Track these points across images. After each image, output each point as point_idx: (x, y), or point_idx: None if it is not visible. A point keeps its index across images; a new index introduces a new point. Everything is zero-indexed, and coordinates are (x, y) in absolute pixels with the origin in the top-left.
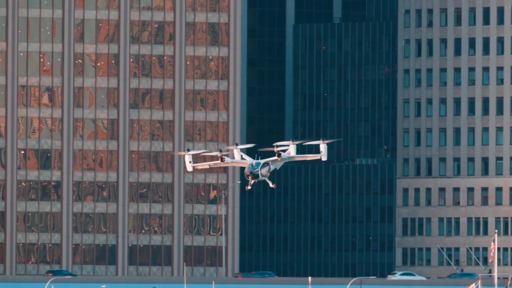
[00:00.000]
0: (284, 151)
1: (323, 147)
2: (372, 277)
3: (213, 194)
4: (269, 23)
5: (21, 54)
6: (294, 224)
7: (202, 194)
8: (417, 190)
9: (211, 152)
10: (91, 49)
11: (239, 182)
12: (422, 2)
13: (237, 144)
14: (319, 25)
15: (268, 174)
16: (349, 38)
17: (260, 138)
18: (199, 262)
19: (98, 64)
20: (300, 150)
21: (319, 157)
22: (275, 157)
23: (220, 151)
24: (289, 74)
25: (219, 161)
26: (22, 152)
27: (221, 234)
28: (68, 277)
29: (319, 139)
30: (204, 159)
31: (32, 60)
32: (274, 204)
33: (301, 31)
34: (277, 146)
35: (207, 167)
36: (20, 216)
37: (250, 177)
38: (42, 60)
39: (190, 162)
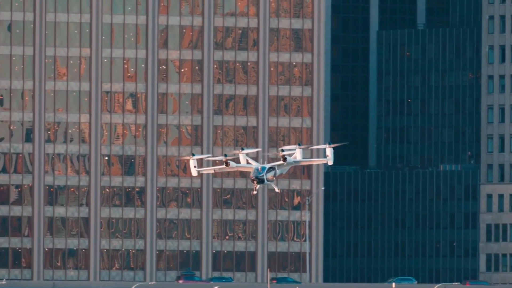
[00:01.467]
0: (290, 155)
1: (329, 151)
2: (456, 283)
3: (297, 200)
4: (353, 29)
5: (105, 60)
6: (378, 230)
7: (286, 200)
8: (501, 196)
9: (216, 157)
10: (175, 55)
11: (323, 188)
12: (506, 8)
13: (242, 149)
14: (403, 31)
15: (274, 178)
16: (432, 44)
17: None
18: (283, 268)
19: (182, 70)
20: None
21: (325, 161)
22: (281, 162)
23: (225, 155)
24: (373, 80)
25: (224, 166)
26: (106, 158)
27: (305, 240)
28: (152, 282)
29: (403, 145)
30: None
31: (116, 66)
32: (358, 210)
33: (384, 37)
34: (283, 150)
35: (212, 171)
36: (104, 222)
37: (255, 182)
38: (126, 66)
39: (195, 166)
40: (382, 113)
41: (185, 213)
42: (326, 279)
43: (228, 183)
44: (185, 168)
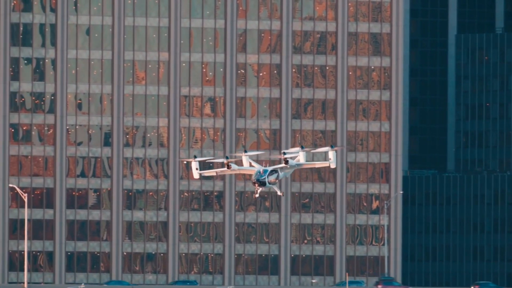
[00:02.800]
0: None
1: (331, 154)
2: None
3: (375, 204)
4: (431, 33)
5: (184, 64)
6: (456, 234)
7: (364, 204)
8: None
9: (218, 159)
10: (253, 59)
11: (401, 192)
12: None
13: (245, 151)
14: (482, 35)
15: (277, 181)
16: (511, 48)
17: (422, 148)
18: (361, 272)
19: (261, 74)
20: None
21: (327, 165)
22: (283, 164)
23: (226, 158)
24: (451, 84)
25: (225, 168)
26: (185, 162)
27: (383, 244)
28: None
29: (481, 149)
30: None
31: (194, 70)
32: (436, 214)
33: (463, 41)
34: (284, 153)
35: (214, 174)
36: (183, 226)
37: (256, 185)
38: (204, 70)
39: (197, 169)
40: (460, 117)
41: (263, 217)
42: (404, 283)
43: (307, 187)
44: None
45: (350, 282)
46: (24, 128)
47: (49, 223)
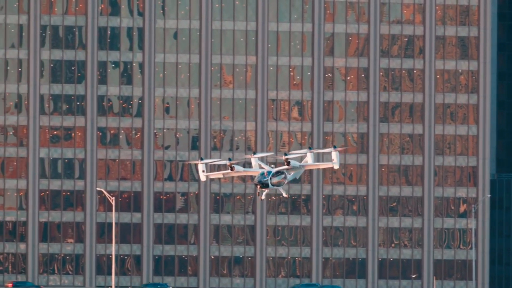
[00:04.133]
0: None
1: (334, 155)
2: None
3: (463, 208)
4: None
5: (271, 68)
6: None
7: (452, 208)
8: None
9: (223, 161)
10: (340, 63)
11: (489, 195)
12: None
13: (254, 153)
14: None
15: (282, 182)
16: None
17: (510, 152)
18: (449, 276)
19: (348, 78)
20: None
21: (331, 166)
22: (286, 166)
23: (229, 159)
24: None
25: (229, 171)
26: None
27: (471, 248)
28: None
29: None
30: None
31: (282, 74)
32: None
33: None
34: (286, 154)
35: (221, 176)
36: (270, 230)
37: (258, 186)
38: (292, 74)
39: (203, 171)
40: None
41: (351, 221)
42: (492, 286)
43: (394, 191)
44: (351, 176)
45: None
46: (112, 132)
47: (136, 226)
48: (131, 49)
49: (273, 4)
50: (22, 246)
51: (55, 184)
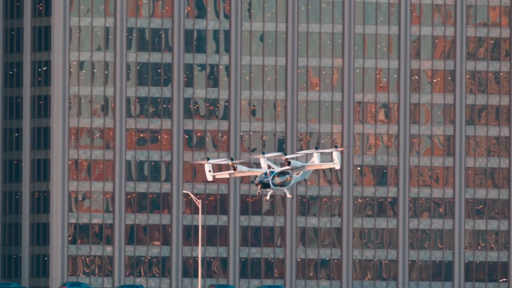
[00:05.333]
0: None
1: (335, 155)
2: None
3: None
4: None
5: (357, 70)
6: None
7: None
8: None
9: (227, 161)
10: (427, 66)
11: None
12: None
13: (263, 153)
14: None
15: (287, 182)
16: None
17: None
18: None
19: (434, 80)
20: None
21: (332, 166)
22: (287, 166)
23: (231, 159)
24: None
25: (232, 171)
26: (358, 168)
27: None
28: None
29: None
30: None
31: (368, 77)
32: None
33: None
34: (285, 154)
35: (227, 176)
36: (356, 233)
37: (259, 186)
38: (378, 76)
39: (209, 171)
40: None
41: (437, 224)
42: None
43: (480, 193)
44: (438, 178)
45: None
46: (198, 134)
47: (223, 229)
48: (217, 51)
49: (360, 7)
50: (109, 248)
51: (142, 187)
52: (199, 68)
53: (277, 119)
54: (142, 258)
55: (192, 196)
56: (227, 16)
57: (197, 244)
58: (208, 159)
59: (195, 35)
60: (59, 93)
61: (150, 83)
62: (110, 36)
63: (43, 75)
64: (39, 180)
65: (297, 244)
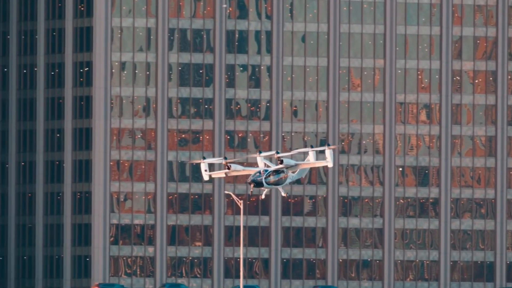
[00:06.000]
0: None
1: (328, 153)
2: None
3: None
4: None
5: (399, 71)
6: None
7: None
8: None
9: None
10: (468, 66)
11: None
12: None
13: (260, 152)
14: None
15: (281, 181)
16: None
17: None
18: None
19: (476, 81)
20: None
21: (325, 164)
22: (280, 165)
23: (225, 158)
24: None
25: (227, 170)
26: (400, 169)
27: None
28: None
29: None
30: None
31: (409, 77)
32: None
33: None
34: (278, 152)
35: (223, 175)
36: (398, 233)
37: (252, 185)
38: (419, 77)
39: (205, 170)
40: None
41: (479, 224)
42: None
43: None
44: (479, 179)
45: None
46: (240, 135)
47: (264, 230)
48: (259, 52)
49: (401, 7)
50: (150, 249)
51: (183, 188)
52: (241, 68)
53: (318, 120)
54: (184, 259)
55: (234, 196)
56: (269, 17)
57: (239, 245)
58: (204, 158)
59: (237, 35)
60: (101, 94)
61: (192, 84)
62: (151, 37)
63: (85, 76)
64: (81, 181)
65: (339, 244)
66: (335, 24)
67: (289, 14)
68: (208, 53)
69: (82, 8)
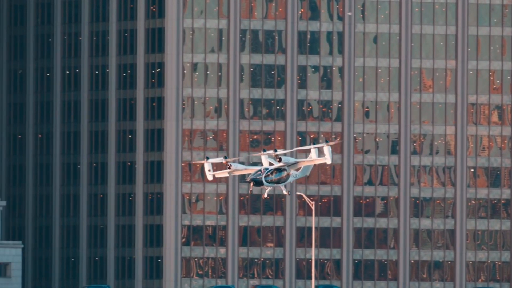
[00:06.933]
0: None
1: (326, 150)
2: None
3: None
4: None
5: (471, 72)
6: None
7: None
8: None
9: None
10: None
11: None
12: None
13: (264, 150)
14: None
15: (283, 179)
16: None
17: None
18: None
19: None
20: None
21: (324, 161)
22: (279, 163)
23: (225, 157)
24: None
25: (228, 169)
26: (472, 170)
27: None
28: None
29: None
30: None
31: (481, 78)
32: None
33: None
34: (276, 150)
35: (226, 174)
36: (470, 234)
37: (251, 184)
38: (491, 78)
39: (209, 170)
40: None
41: None
42: None
43: None
44: None
45: None
46: (311, 136)
47: (336, 231)
48: (330, 53)
49: (473, 8)
50: (222, 250)
51: (255, 188)
52: (313, 69)
53: (390, 121)
54: (256, 260)
55: (305, 197)
56: (341, 18)
57: (310, 246)
58: (207, 158)
59: (309, 36)
60: (172, 95)
61: (264, 85)
62: (223, 38)
63: (156, 77)
64: (153, 182)
65: (411, 246)
66: (406, 25)
67: (361, 15)
68: (280, 54)
69: (154, 9)
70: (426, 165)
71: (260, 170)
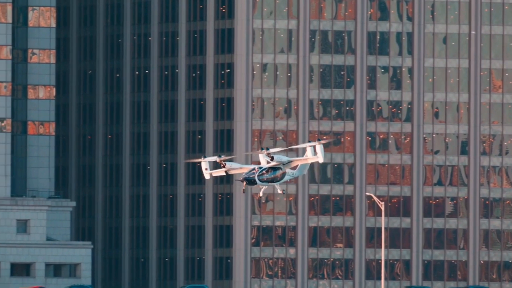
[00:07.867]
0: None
1: (318, 148)
2: None
3: None
4: None
5: None
6: None
7: None
8: None
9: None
10: None
11: None
12: None
13: (262, 149)
14: None
15: (277, 178)
16: None
17: None
18: None
19: None
20: None
21: (316, 159)
22: (273, 162)
23: (219, 156)
24: None
25: (223, 168)
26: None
27: None
28: None
29: None
30: None
31: None
32: None
33: None
34: (267, 149)
35: (223, 173)
36: None
37: (244, 183)
38: None
39: (206, 169)
40: None
41: None
42: None
43: None
44: None
45: None
46: (381, 136)
47: (405, 231)
48: (400, 54)
49: None
50: (292, 251)
51: (325, 189)
52: (382, 70)
53: (460, 122)
54: (325, 261)
55: (375, 198)
56: (410, 18)
57: (380, 247)
58: (204, 157)
59: (378, 37)
60: (242, 95)
61: (333, 85)
62: (293, 39)
63: (226, 78)
64: (222, 183)
65: (480, 246)
66: (476, 26)
67: (431, 16)
68: (349, 54)
69: (224, 10)
70: (495, 166)
71: (254, 169)
